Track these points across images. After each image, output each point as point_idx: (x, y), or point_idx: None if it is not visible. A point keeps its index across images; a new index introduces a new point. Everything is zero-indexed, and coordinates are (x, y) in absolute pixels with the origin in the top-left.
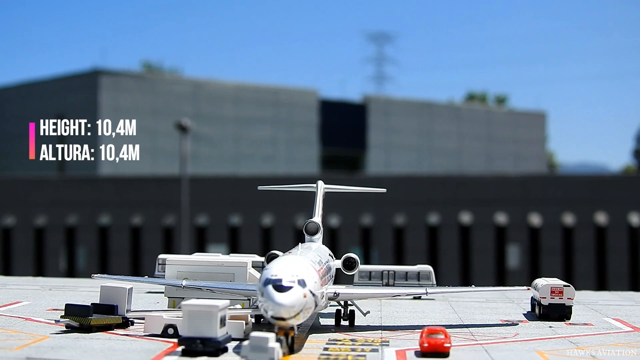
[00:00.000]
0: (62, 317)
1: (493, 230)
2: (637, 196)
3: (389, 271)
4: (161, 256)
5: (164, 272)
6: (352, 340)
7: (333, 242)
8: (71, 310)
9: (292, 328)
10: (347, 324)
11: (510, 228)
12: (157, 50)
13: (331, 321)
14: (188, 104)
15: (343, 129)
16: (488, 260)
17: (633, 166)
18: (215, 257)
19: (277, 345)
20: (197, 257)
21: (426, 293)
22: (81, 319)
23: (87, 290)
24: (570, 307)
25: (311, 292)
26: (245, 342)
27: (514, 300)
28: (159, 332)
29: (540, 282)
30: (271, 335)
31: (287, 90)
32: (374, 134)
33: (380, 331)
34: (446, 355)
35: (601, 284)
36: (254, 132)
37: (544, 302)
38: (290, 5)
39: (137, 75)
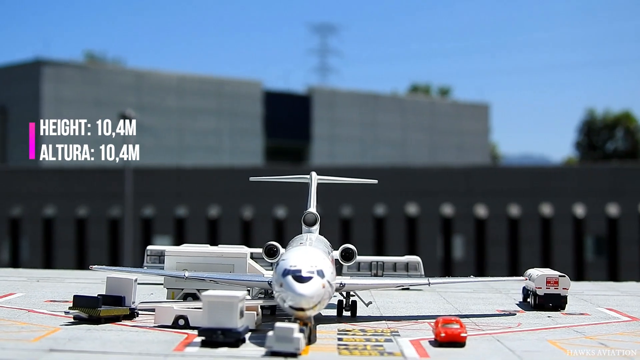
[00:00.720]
0: (70, 308)
1: (439, 221)
2: (581, 187)
3: (377, 262)
4: (150, 247)
5: (152, 263)
6: (361, 330)
7: (280, 232)
8: (80, 301)
9: (309, 318)
10: (349, 314)
11: (456, 219)
12: (100, 41)
13: (331, 312)
14: (131, 94)
15: (287, 120)
16: (433, 251)
17: (575, 158)
18: (214, 248)
19: (301, 335)
20: (196, 248)
21: (429, 284)
22: (90, 311)
23: (74, 282)
24: (565, 297)
25: (329, 282)
26: (270, 333)
27: (500, 290)
28: (170, 323)
29: (534, 272)
30: (296, 326)
31: (231, 82)
32: (319, 125)
33: (384, 322)
34: (462, 344)
35: None
36: (198, 123)
37: (540, 292)
38: None
39: (80, 66)
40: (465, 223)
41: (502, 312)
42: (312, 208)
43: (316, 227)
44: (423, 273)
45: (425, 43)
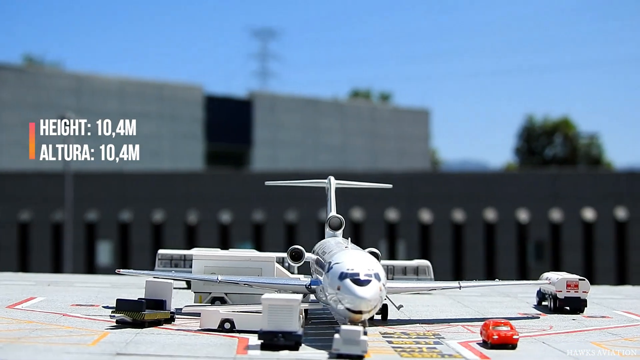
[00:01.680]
0: (113, 312)
1: (384, 226)
2: (523, 193)
3: (387, 266)
4: (161, 251)
5: (163, 267)
6: (403, 333)
7: (224, 236)
8: (123, 305)
9: (363, 321)
10: (380, 318)
11: (401, 224)
12: (39, 44)
13: None
14: (71, 98)
15: (228, 125)
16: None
17: (514, 163)
18: (241, 252)
19: (366, 337)
20: (222, 252)
21: (459, 287)
22: (134, 314)
23: (84, 286)
24: (585, 301)
25: (384, 285)
26: (337, 336)
27: (508, 294)
28: (215, 327)
29: (551, 275)
30: (361, 329)
31: (172, 86)
32: (260, 130)
33: (418, 325)
34: (514, 347)
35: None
36: (138, 127)
37: (560, 295)
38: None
39: (19, 69)
40: (409, 228)
41: (526, 315)
42: (333, 212)
43: (340, 231)
44: (433, 277)
45: (366, 48)
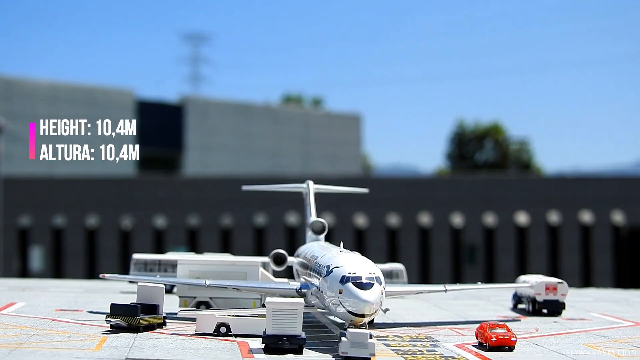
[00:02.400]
0: (108, 317)
1: None
2: (456, 197)
3: None
4: (135, 256)
5: (137, 271)
6: (396, 336)
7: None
8: (118, 310)
9: (363, 324)
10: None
11: (336, 229)
12: None
13: None
14: (0, 102)
15: (160, 130)
16: None
17: (446, 168)
18: (226, 257)
19: (374, 341)
20: (207, 257)
21: (445, 290)
22: (130, 319)
23: (57, 290)
24: (563, 304)
25: (384, 289)
26: (344, 339)
27: (481, 297)
28: (211, 331)
29: (529, 278)
30: (369, 332)
31: (103, 90)
32: (192, 134)
33: (407, 328)
34: (512, 349)
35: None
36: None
37: (539, 298)
38: (105, 3)
39: None
40: (344, 233)
41: (506, 318)
42: (313, 216)
43: (323, 235)
44: (406, 280)
45: (298, 53)
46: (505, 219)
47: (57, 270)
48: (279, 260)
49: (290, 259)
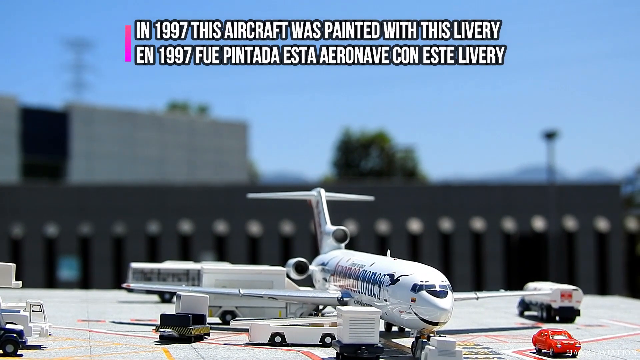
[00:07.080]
0: (158, 327)
1: (211, 238)
2: (348, 205)
3: None
4: (133, 265)
5: (136, 280)
6: None
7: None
8: (169, 320)
9: (433, 332)
10: (397, 329)
11: (230, 237)
12: None
13: None
14: None
15: (44, 137)
16: None
17: (332, 176)
18: (250, 266)
19: (461, 349)
20: (232, 266)
21: (477, 298)
22: (182, 329)
23: (60, 301)
24: (578, 310)
25: (453, 296)
26: (431, 347)
27: (483, 305)
28: (266, 340)
29: (541, 285)
30: (455, 340)
31: None
32: (76, 142)
33: (448, 336)
34: (574, 355)
35: None
36: None
37: (555, 305)
38: None
39: None
40: (239, 240)
41: (524, 325)
42: (328, 224)
43: (344, 243)
44: None
45: None
46: (397, 227)
47: None
48: (299, 268)
49: (312, 269)
